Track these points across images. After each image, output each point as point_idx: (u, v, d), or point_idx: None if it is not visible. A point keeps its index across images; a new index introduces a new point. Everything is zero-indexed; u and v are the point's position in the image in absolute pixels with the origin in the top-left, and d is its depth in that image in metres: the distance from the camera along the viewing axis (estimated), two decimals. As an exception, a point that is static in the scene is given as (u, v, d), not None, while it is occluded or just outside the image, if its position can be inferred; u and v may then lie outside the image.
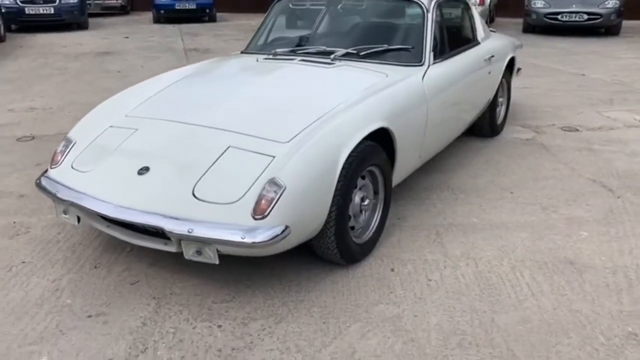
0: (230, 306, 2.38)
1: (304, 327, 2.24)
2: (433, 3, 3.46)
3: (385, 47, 3.32)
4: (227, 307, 2.38)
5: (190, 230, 2.17)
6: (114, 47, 10.38)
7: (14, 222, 3.16)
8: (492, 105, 4.40)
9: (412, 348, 2.11)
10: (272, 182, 2.21)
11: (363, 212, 2.70)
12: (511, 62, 4.69)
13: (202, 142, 2.52)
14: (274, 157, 2.33)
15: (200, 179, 2.32)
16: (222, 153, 2.41)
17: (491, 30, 4.78)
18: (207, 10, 15.25)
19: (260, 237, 2.13)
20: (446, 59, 3.48)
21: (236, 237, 2.12)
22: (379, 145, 2.68)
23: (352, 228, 2.65)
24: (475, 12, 4.24)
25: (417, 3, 3.44)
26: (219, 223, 2.18)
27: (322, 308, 2.36)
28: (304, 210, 2.25)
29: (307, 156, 2.31)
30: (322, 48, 3.40)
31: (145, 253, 2.76)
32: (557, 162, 4.09)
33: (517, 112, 5.47)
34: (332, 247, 2.50)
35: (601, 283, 2.53)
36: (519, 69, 5.12)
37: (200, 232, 2.16)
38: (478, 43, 4.09)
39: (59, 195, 2.53)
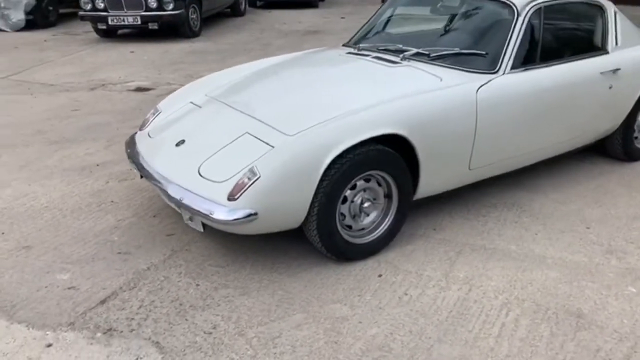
0: (218, 271, 2.71)
1: (257, 305, 2.46)
2: (529, 7, 3.16)
3: (457, 50, 3.17)
4: (216, 271, 2.71)
5: (181, 198, 2.55)
6: (325, 26, 11.20)
7: (130, 169, 3.93)
8: (627, 125, 3.78)
9: (328, 349, 2.18)
10: (251, 169, 2.44)
11: (363, 213, 2.74)
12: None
13: (230, 125, 2.85)
14: (273, 147, 2.54)
15: (209, 157, 2.67)
16: (238, 137, 2.71)
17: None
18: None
19: (227, 216, 2.40)
20: (535, 68, 3.17)
21: (207, 212, 2.43)
22: (392, 151, 2.67)
23: (350, 227, 2.72)
24: (616, 17, 3.65)
25: (509, 6, 3.18)
26: (203, 197, 2.51)
27: (287, 293, 2.54)
28: (276, 200, 2.44)
29: (290, 152, 2.48)
30: (399, 46, 3.39)
31: (192, 213, 3.23)
32: (684, 204, 3.39)
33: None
34: (316, 241, 2.63)
35: (592, 346, 2.18)
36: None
37: (187, 201, 2.53)
38: (605, 52, 3.55)
39: (128, 154, 3.14)
